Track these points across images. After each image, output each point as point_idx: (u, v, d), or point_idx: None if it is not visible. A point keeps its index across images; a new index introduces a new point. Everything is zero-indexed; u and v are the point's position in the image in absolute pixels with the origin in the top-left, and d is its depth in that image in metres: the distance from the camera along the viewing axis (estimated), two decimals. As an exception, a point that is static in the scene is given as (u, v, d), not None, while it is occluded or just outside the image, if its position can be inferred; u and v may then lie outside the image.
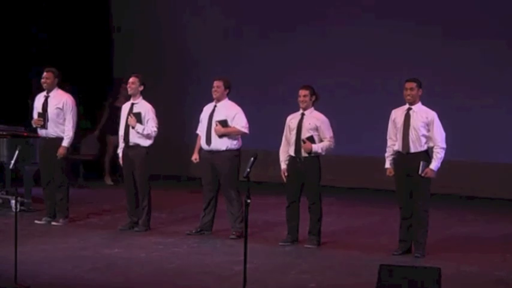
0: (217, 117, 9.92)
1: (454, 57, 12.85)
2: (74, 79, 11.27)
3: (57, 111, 10.57)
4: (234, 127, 9.90)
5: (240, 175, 9.34)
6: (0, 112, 13.22)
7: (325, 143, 9.44)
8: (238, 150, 9.96)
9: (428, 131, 8.94)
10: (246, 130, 9.91)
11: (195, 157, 10.40)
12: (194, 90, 11.48)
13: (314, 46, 13.95)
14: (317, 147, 9.42)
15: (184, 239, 9.86)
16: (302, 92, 9.54)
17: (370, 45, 13.46)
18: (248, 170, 7.21)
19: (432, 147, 8.96)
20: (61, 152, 10.51)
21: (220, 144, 9.90)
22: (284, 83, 13.29)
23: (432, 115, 8.97)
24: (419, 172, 8.87)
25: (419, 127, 8.92)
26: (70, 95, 10.72)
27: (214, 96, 10.03)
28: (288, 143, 9.58)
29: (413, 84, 9.03)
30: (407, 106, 9.05)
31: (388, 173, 9.17)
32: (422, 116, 8.96)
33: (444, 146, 8.93)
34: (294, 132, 9.49)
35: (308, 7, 14.20)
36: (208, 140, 9.94)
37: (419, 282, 6.62)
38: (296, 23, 14.25)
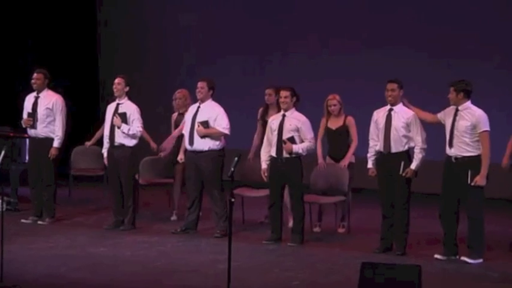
0: (200, 118, 9.99)
1: (454, 61, 12.83)
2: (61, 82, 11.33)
3: (46, 112, 10.64)
4: (215, 128, 9.96)
5: (224, 175, 9.43)
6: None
7: (306, 144, 9.54)
8: (221, 150, 10.02)
9: (409, 131, 9.03)
10: (227, 131, 9.96)
11: (180, 157, 10.60)
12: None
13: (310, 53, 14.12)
14: (298, 148, 9.51)
15: (169, 238, 9.91)
16: (283, 93, 9.63)
17: (366, 50, 13.63)
18: (232, 169, 7.28)
19: (413, 148, 9.05)
20: (53, 153, 10.61)
21: (203, 144, 9.96)
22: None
23: (412, 116, 9.05)
24: (400, 172, 8.98)
25: (400, 128, 9.01)
26: (60, 96, 10.80)
27: (198, 97, 10.10)
28: (270, 143, 9.67)
29: (395, 85, 9.12)
30: (388, 107, 9.14)
31: (370, 173, 9.26)
32: (403, 116, 9.05)
33: (425, 146, 9.01)
34: (276, 133, 9.57)
35: (306, 19, 14.29)
36: (191, 141, 10.02)
37: (400, 280, 6.66)
38: (288, 33, 14.37)
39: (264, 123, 10.40)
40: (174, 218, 11.02)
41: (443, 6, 13.27)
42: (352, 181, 10.16)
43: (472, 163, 8.64)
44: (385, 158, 9.11)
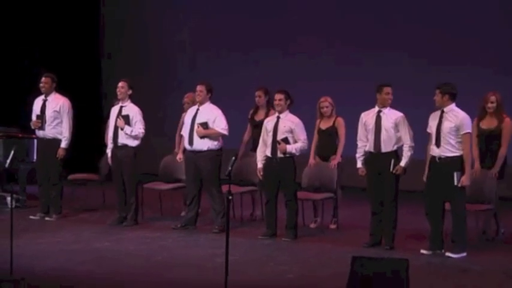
0: (199, 119, 10.25)
1: (453, 64, 12.90)
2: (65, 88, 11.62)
3: (54, 114, 10.96)
4: (214, 129, 10.24)
5: (222, 173, 9.64)
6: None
7: (299, 144, 9.82)
8: (219, 150, 10.29)
9: (398, 131, 9.34)
10: (225, 132, 10.25)
11: (179, 157, 10.93)
12: (178, 95, 11.74)
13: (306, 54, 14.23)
14: (291, 148, 9.79)
15: (170, 233, 10.14)
16: (277, 96, 9.91)
17: (360, 56, 13.77)
18: (230, 168, 7.53)
19: (401, 146, 9.36)
20: (61, 153, 10.94)
21: (202, 144, 10.24)
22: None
23: (400, 117, 9.38)
24: (391, 169, 9.27)
25: (390, 128, 9.32)
26: (67, 99, 11.09)
27: (197, 99, 10.38)
28: (265, 144, 9.95)
29: (391, 89, 9.45)
30: (377, 109, 9.44)
31: (360, 172, 9.53)
32: (392, 117, 9.36)
33: (413, 144, 9.31)
34: (271, 134, 9.84)
35: (306, 20, 14.40)
36: (191, 141, 10.29)
37: (388, 272, 6.89)
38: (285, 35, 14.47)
39: (253, 124, 10.73)
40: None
41: (443, 8, 13.39)
42: (340, 179, 10.49)
43: (454, 163, 8.94)
44: (375, 157, 9.40)
